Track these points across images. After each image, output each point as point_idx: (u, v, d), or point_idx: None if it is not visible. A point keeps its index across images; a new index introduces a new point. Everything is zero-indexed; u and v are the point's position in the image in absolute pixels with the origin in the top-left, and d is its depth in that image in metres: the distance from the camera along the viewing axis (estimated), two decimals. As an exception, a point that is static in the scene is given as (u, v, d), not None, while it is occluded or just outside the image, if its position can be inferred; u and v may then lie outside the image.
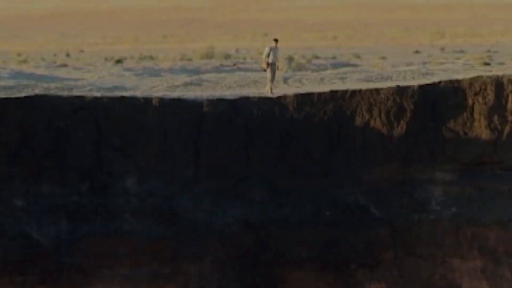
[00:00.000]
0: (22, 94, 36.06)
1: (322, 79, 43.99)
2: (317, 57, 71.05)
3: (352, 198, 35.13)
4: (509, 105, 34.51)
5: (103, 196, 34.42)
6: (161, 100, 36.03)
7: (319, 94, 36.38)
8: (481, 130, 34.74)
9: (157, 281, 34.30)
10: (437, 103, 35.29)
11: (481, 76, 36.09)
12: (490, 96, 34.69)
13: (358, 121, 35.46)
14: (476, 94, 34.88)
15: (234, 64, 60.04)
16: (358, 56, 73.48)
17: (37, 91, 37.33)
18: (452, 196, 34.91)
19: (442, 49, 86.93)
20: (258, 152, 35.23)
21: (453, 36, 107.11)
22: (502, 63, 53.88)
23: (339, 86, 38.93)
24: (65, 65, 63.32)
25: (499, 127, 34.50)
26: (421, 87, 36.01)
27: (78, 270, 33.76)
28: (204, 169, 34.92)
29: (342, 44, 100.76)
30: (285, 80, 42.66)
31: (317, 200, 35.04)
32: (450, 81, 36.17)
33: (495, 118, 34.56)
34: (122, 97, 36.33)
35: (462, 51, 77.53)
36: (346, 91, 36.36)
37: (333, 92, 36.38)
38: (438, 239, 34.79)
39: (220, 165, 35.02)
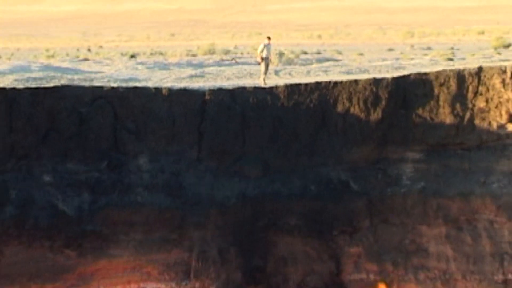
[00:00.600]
0: (50, 85, 36.11)
1: (308, 72, 43.97)
2: (304, 53, 71.04)
3: (334, 174, 35.29)
4: (469, 94, 34.63)
5: (119, 173, 34.57)
6: (170, 90, 36.14)
7: (306, 85, 36.50)
8: (445, 116, 34.85)
9: (166, 246, 34.45)
10: (407, 93, 35.41)
11: (445, 70, 36.16)
12: (453, 87, 34.80)
13: (340, 108, 35.61)
14: (441, 85, 34.99)
15: (233, 59, 59.96)
16: (339, 52, 73.50)
17: (63, 82, 37.34)
18: (420, 173, 35.04)
19: (412, 46, 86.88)
20: (253, 135, 35.37)
21: (421, 35, 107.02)
22: (463, 59, 53.91)
23: (323, 78, 38.96)
24: (86, 60, 63.30)
25: (460, 113, 34.62)
26: (394, 79, 36.12)
27: (98, 236, 33.90)
28: (206, 149, 35.08)
29: (325, 42, 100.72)
30: (276, 73, 42.72)
31: (304, 176, 35.22)
32: (419, 74, 36.26)
33: (457, 105, 34.68)
34: (136, 87, 36.40)
35: (429, 48, 77.59)
36: (329, 82, 36.48)
37: (318, 83, 36.49)
38: (408, 209, 34.93)
39: (220, 146, 35.17)
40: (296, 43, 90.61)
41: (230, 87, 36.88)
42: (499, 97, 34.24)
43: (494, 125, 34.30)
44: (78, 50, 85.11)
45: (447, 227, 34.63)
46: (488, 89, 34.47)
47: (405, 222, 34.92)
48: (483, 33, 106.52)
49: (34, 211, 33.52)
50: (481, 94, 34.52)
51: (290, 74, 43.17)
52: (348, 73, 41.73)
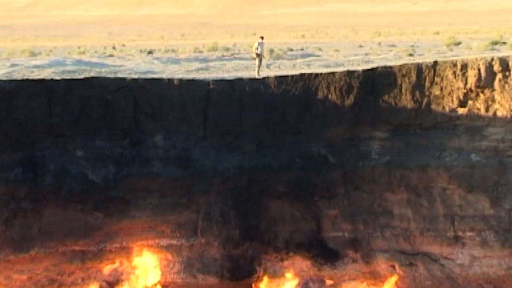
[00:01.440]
0: (82, 76, 36.10)
1: (294, 65, 43.88)
2: (291, 50, 70.89)
3: (315, 150, 35.27)
4: (426, 84, 34.58)
5: (138, 148, 34.58)
6: (180, 80, 36.13)
7: (292, 76, 36.49)
8: (406, 101, 34.80)
9: (177, 208, 34.52)
10: (375, 82, 35.36)
11: (407, 63, 36.12)
12: (413, 78, 34.74)
13: (320, 95, 35.59)
14: (403, 76, 34.92)
15: (232, 55, 59.92)
16: (319, 49, 73.26)
17: (92, 74, 37.30)
18: (386, 148, 35.03)
19: (379, 44, 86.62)
20: (249, 117, 35.36)
21: (387, 35, 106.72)
22: (421, 54, 53.86)
23: (306, 70, 38.90)
24: (111, 55, 63.15)
25: (419, 99, 34.56)
26: (364, 71, 36.06)
27: (121, 200, 33.96)
28: (210, 129, 35.09)
29: (308, 41, 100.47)
30: (268, 66, 42.64)
31: (290, 151, 35.21)
32: (385, 67, 36.20)
33: (416, 93, 34.62)
34: (152, 78, 36.40)
35: (393, 46, 77.40)
36: (311, 74, 36.45)
37: (302, 75, 36.47)
38: (376, 179, 34.95)
39: (221, 127, 35.18)
40: (284, 42, 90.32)
41: (230, 78, 36.96)
42: (451, 86, 34.23)
43: (447, 109, 34.30)
44: (104, 47, 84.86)
45: (408, 193, 34.66)
46: (442, 79, 34.44)
47: (374, 189, 34.97)
48: (438, 33, 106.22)
49: (69, 180, 33.62)
50: (436, 84, 34.50)
51: (279, 67, 43.11)
52: (326, 66, 41.67)
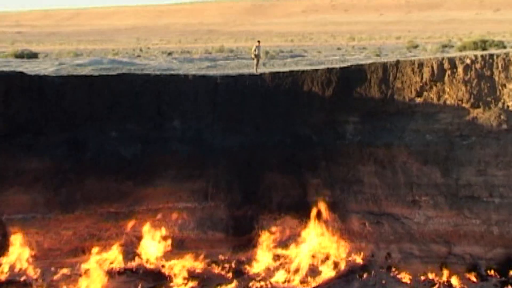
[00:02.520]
0: (115, 73, 35.99)
1: (284, 64, 43.75)
2: (282, 52, 70.51)
3: (301, 131, 35.13)
4: (390, 78, 34.42)
5: (160, 131, 34.45)
6: (194, 76, 35.97)
7: (283, 72, 36.32)
8: (374, 93, 34.66)
9: (191, 178, 34.41)
10: (350, 77, 35.20)
11: (375, 62, 35.94)
12: (380, 73, 34.59)
13: (305, 88, 35.43)
14: (372, 72, 34.77)
15: (235, 55, 59.75)
16: (305, 51, 73.07)
17: (123, 71, 37.18)
18: (358, 130, 34.87)
19: (353, 47, 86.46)
20: (249, 106, 35.22)
21: (359, 39, 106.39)
22: (386, 55, 53.72)
23: (294, 68, 38.77)
24: (139, 56, 63.16)
25: (385, 91, 34.43)
26: (341, 68, 35.89)
27: (147, 172, 33.86)
28: (218, 115, 34.94)
29: (296, 44, 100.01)
30: (264, 65, 42.49)
31: (282, 133, 35.08)
32: (357, 65, 36.03)
33: (383, 86, 34.47)
34: (171, 74, 36.22)
35: (364, 48, 77.23)
36: (298, 71, 36.29)
37: (291, 71, 36.29)
38: (350, 154, 34.81)
39: (227, 114, 35.06)
40: (276, 45, 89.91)
41: (234, 74, 36.81)
42: (410, 80, 34.13)
43: (407, 98, 34.20)
44: (133, 50, 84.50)
45: (376, 166, 34.59)
46: (402, 75, 34.32)
47: (348, 163, 34.87)
48: (399, 38, 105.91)
49: (105, 156, 33.54)
50: (398, 78, 34.39)
51: (272, 65, 42.96)
52: (311, 64, 41.48)
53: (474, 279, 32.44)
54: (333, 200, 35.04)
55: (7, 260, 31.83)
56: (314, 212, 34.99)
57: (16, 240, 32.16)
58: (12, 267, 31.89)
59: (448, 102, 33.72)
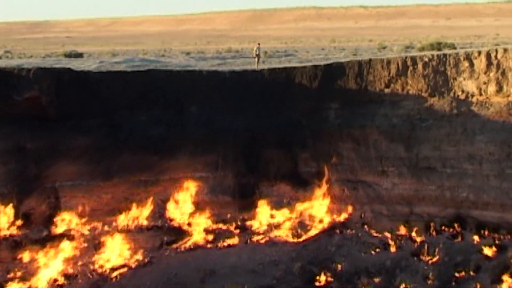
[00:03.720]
0: (144, 69, 35.83)
1: (280, 61, 43.57)
2: (277, 52, 70.08)
3: (293, 116, 34.93)
4: (364, 73, 34.26)
5: (180, 115, 34.31)
6: (207, 71, 35.80)
7: (279, 68, 36.18)
8: (352, 84, 34.47)
9: (205, 154, 34.19)
10: (332, 72, 35.03)
11: (352, 60, 35.78)
12: (356, 69, 34.38)
13: (296, 80, 35.24)
14: (350, 68, 34.57)
15: (240, 55, 59.45)
16: (296, 51, 72.54)
17: (151, 67, 36.99)
18: (338, 115, 34.77)
19: (334, 48, 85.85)
20: (250, 95, 35.04)
21: (339, 42, 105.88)
22: (361, 54, 53.38)
23: (288, 65, 38.61)
24: (163, 55, 62.69)
25: (360, 83, 34.27)
26: (325, 65, 35.65)
27: (169, 148, 33.68)
28: (226, 103, 34.70)
29: (289, 46, 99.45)
30: (263, 62, 42.29)
31: (277, 117, 34.92)
32: (338, 62, 35.84)
33: (358, 79, 34.28)
34: (189, 70, 36.02)
35: (343, 49, 76.57)
36: (291, 67, 36.15)
37: (285, 68, 36.15)
38: (332, 134, 34.69)
39: (233, 101, 34.86)
40: (273, 47, 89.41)
41: (239, 70, 36.61)
42: (380, 74, 34.04)
43: (377, 89, 34.12)
44: (159, 50, 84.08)
45: (352, 143, 34.53)
46: (374, 70, 34.19)
47: (330, 141, 34.78)
48: (371, 41, 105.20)
49: (136, 135, 33.45)
50: (370, 73, 34.27)
51: (270, 63, 42.77)
52: (301, 62, 41.24)
53: (431, 233, 32.54)
54: (318, 171, 34.99)
55: (60, 218, 31.99)
56: (303, 180, 34.98)
57: (67, 202, 32.34)
58: (64, 224, 32.08)
59: (410, 92, 33.63)
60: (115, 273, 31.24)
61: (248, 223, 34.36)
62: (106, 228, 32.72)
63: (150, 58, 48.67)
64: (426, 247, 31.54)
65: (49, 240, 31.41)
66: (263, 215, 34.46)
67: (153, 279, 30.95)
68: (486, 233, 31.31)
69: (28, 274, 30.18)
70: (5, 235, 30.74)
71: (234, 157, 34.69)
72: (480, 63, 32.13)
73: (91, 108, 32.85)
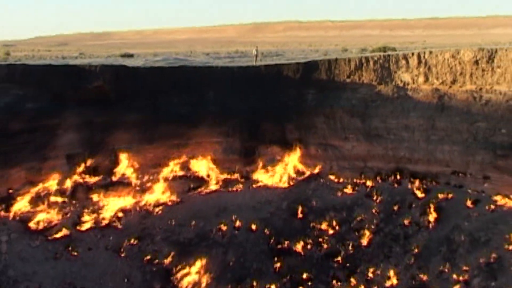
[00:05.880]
0: (177, 65, 35.29)
1: (272, 60, 42.94)
2: (271, 53, 68.85)
3: (283, 99, 34.48)
4: (332, 67, 33.64)
5: (200, 100, 33.79)
6: (221, 66, 35.16)
7: (272, 65, 35.54)
8: (323, 76, 33.92)
9: (219, 126, 33.83)
10: (310, 67, 34.46)
11: (324, 59, 35.12)
12: (327, 65, 33.73)
13: (284, 73, 34.62)
14: (322, 64, 33.98)
15: (244, 55, 58.51)
16: (284, 52, 71.46)
17: (181, 64, 36.44)
18: (314, 98, 34.21)
19: (311, 50, 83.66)
20: (252, 87, 34.44)
21: (315, 45, 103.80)
22: (330, 55, 52.09)
23: (278, 62, 38.02)
24: (189, 56, 61.67)
25: (329, 75, 33.80)
26: (304, 62, 34.98)
27: (194, 121, 33.35)
28: (234, 93, 34.10)
29: (279, 48, 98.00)
30: (260, 60, 41.67)
31: (272, 100, 34.43)
32: (314, 60, 35.16)
33: (328, 72, 33.73)
34: (208, 66, 35.31)
35: (317, 51, 74.54)
36: (281, 63, 35.49)
37: (276, 64, 35.44)
38: (310, 112, 34.24)
39: (240, 88, 34.31)
40: (268, 49, 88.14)
41: (244, 66, 35.89)
42: (343, 69, 33.52)
43: (341, 79, 33.64)
44: (186, 52, 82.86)
45: (324, 118, 33.92)
46: (339, 66, 33.68)
47: (309, 117, 34.01)
48: (337, 45, 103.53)
49: (170, 113, 32.96)
50: (336, 68, 33.74)
51: (265, 61, 42.17)
52: (288, 60, 40.49)
53: (379, 181, 32.50)
54: (300, 137, 34.69)
55: (117, 169, 32.08)
56: (289, 143, 34.76)
57: (122, 159, 32.36)
58: (119, 174, 32.13)
59: (364, 81, 33.22)
60: (157, 209, 31.43)
61: (250, 174, 34.20)
62: (150, 177, 32.70)
63: (181, 57, 47.96)
64: (375, 190, 31.59)
65: (110, 185, 31.65)
66: (261, 169, 34.32)
67: (183, 214, 31.22)
68: (417, 181, 31.33)
69: (97, 209, 30.53)
70: (80, 182, 31.07)
71: (240, 128, 34.34)
72: (413, 61, 31.94)
73: (139, 93, 32.48)
